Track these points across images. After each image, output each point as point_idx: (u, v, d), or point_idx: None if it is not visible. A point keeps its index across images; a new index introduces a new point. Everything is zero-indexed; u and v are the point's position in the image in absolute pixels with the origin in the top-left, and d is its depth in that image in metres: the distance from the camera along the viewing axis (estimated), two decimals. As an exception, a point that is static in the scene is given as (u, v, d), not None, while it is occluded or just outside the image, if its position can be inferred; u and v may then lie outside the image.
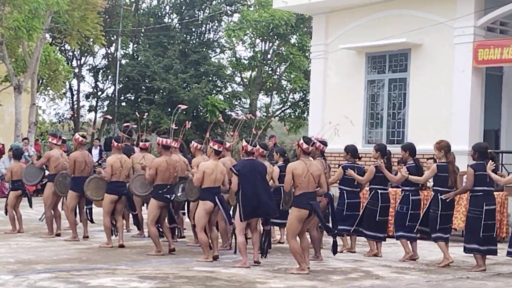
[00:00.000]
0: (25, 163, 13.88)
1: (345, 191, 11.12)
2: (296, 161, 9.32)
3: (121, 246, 11.07)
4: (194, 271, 9.08)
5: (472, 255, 9.93)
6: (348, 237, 11.39)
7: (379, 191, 10.82)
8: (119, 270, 9.04)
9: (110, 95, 33.98)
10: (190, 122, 11.88)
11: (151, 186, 10.58)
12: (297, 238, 9.26)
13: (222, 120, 11.64)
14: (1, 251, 10.53)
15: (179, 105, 11.38)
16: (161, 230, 10.77)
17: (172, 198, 10.61)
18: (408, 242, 10.62)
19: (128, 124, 13.15)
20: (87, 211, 12.13)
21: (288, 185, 9.21)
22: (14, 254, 10.18)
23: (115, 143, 11.35)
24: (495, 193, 12.50)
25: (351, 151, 11.15)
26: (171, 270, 9.08)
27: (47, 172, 12.69)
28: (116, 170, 11.15)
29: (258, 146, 10.31)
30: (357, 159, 11.23)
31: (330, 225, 9.81)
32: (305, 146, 9.23)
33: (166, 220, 10.86)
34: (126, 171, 11.31)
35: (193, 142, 11.56)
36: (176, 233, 11.76)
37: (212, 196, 9.83)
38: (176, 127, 11.26)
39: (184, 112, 24.99)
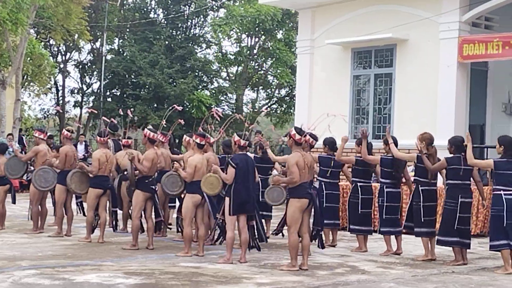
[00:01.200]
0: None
1: (323, 183, 11.12)
2: (295, 153, 9.11)
3: (101, 242, 11.07)
4: (180, 267, 9.07)
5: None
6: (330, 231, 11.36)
7: (359, 183, 10.82)
8: (104, 266, 9.01)
9: (95, 90, 33.85)
10: (182, 120, 12.01)
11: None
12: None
13: (221, 116, 11.57)
14: (-15, 247, 10.49)
15: (175, 106, 11.64)
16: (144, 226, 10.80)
17: (156, 189, 10.72)
18: (393, 237, 10.63)
19: (113, 120, 13.19)
20: (78, 205, 12.08)
21: (297, 177, 8.97)
22: (-1, 251, 10.13)
23: (99, 138, 11.46)
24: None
25: (329, 144, 11.19)
26: (157, 266, 9.07)
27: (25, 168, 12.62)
28: (102, 164, 11.22)
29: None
30: (334, 152, 11.19)
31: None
32: (297, 137, 9.13)
33: (152, 217, 10.84)
34: (111, 165, 11.44)
35: (185, 136, 11.58)
36: (162, 228, 11.68)
37: (200, 189, 9.85)
38: (165, 125, 11.34)
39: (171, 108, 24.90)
